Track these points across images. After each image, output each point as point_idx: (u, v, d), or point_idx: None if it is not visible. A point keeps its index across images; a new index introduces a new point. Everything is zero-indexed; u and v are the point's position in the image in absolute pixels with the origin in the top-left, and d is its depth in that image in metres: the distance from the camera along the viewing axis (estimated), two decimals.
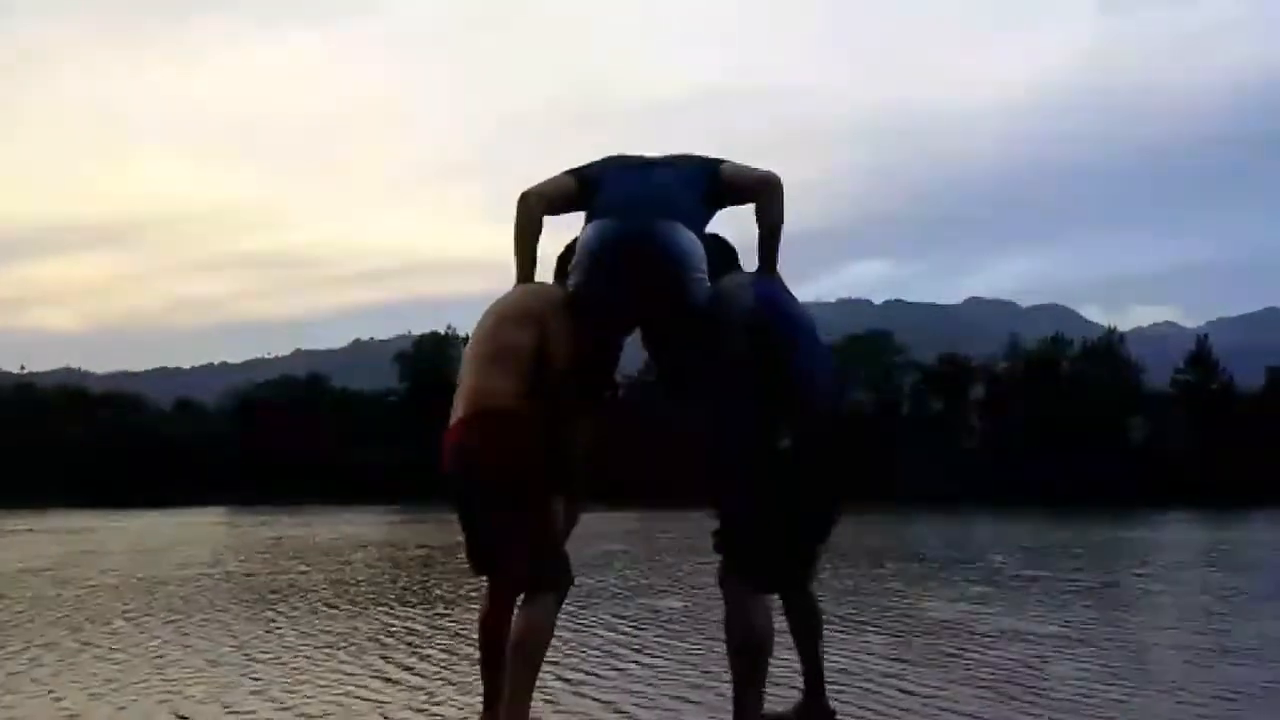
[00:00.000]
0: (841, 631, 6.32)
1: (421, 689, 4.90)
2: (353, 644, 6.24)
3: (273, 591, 9.28)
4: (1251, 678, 4.95)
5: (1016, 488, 53.64)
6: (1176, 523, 25.88)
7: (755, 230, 3.61)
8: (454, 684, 4.96)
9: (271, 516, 31.33)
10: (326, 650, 6.00)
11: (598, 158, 3.72)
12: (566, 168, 3.68)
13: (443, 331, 74.62)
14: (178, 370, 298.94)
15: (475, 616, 7.24)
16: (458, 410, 3.38)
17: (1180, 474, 54.99)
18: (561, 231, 3.70)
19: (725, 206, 3.62)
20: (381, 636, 6.55)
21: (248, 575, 11.06)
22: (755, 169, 3.61)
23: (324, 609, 7.99)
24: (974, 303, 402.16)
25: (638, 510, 27.30)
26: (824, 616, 3.78)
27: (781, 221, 3.59)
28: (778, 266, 3.63)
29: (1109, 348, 67.04)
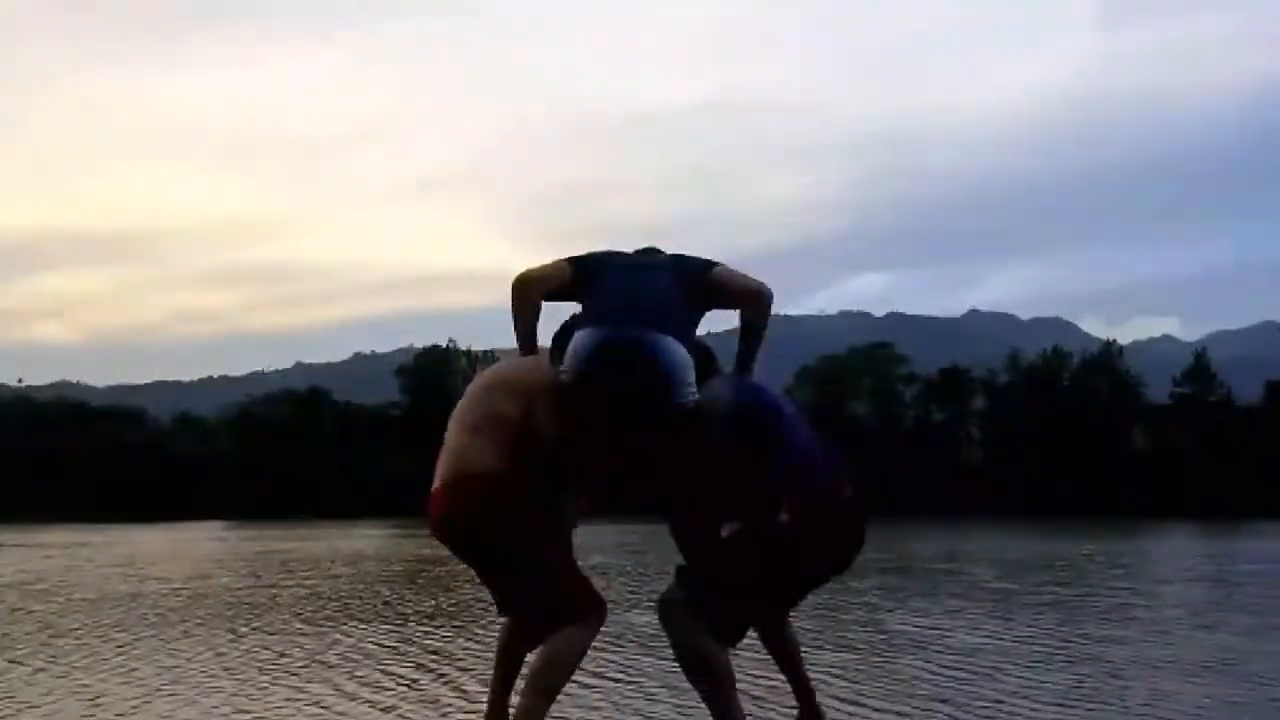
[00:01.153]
0: (804, 648, 6.29)
1: (380, 706, 4.89)
2: (317, 660, 6.23)
3: (247, 607, 9.28)
4: (1198, 695, 4.92)
5: (1016, 499, 53.74)
6: (1172, 535, 25.88)
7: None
8: (414, 703, 4.93)
9: (268, 531, 31.35)
10: (287, 667, 5.99)
11: (596, 250, 3.79)
12: (565, 256, 3.73)
13: (444, 345, 74.92)
14: (177, 384, 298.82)
15: (445, 633, 7.33)
16: (439, 476, 3.40)
17: (1179, 486, 55.04)
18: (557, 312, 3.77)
19: (712, 309, 3.69)
20: (348, 653, 6.53)
21: (227, 590, 11.06)
22: (747, 278, 3.66)
23: (295, 625, 7.98)
24: (974, 315, 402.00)
25: (634, 523, 27.15)
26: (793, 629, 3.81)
27: (764, 332, 3.67)
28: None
29: (1108, 360, 67.17)
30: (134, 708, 4.84)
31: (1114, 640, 6.76)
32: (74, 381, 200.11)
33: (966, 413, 68.26)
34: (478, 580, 3.59)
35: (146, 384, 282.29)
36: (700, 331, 3.65)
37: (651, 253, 3.84)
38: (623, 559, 15.46)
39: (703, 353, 3.62)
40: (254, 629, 7.68)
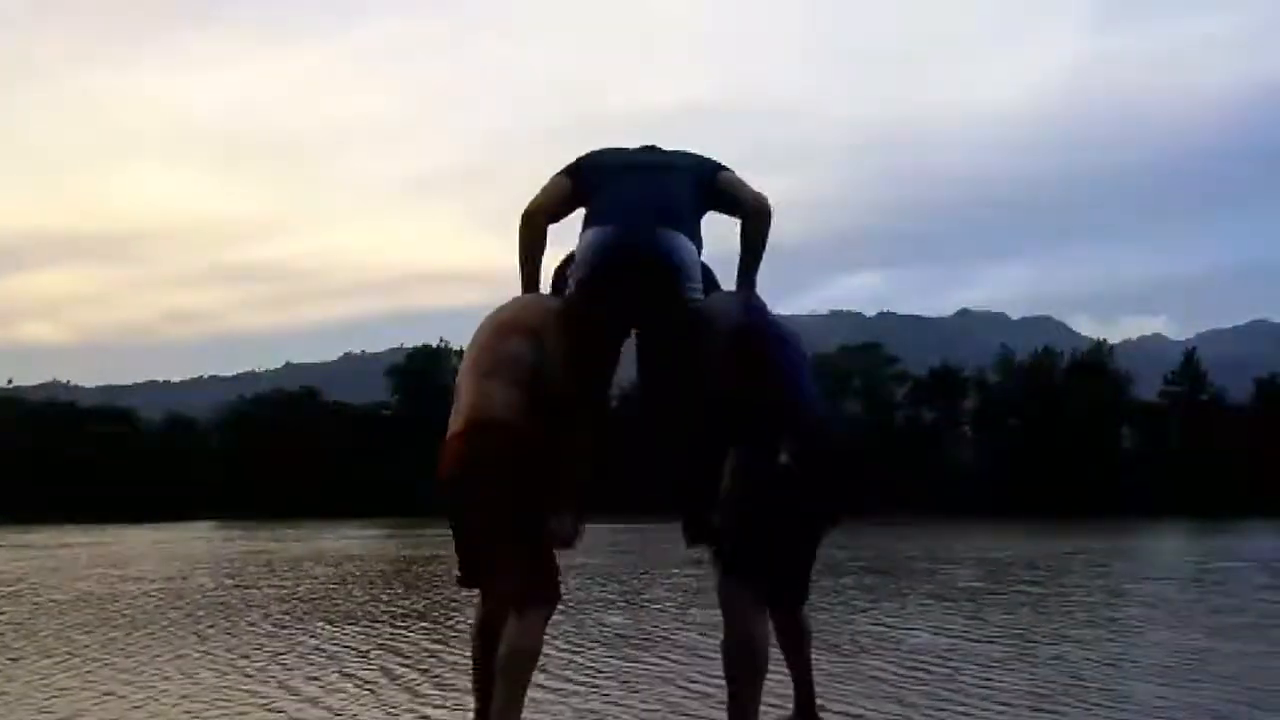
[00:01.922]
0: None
1: (325, 705, 4.85)
2: (276, 662, 6.18)
3: (219, 607, 9.23)
4: (1153, 696, 4.87)
5: (1007, 498, 53.78)
6: (1160, 534, 25.91)
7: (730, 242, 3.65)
8: (372, 706, 4.88)
9: (257, 531, 31.26)
10: (244, 669, 5.93)
11: (591, 150, 3.71)
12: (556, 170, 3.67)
13: (435, 345, 74.66)
14: (167, 384, 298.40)
15: (412, 635, 7.27)
16: (456, 423, 3.34)
17: (1169, 485, 55.13)
18: (557, 246, 3.71)
19: (712, 211, 3.62)
20: (309, 654, 6.48)
21: (201, 591, 11.00)
22: (750, 188, 3.60)
23: (263, 626, 7.92)
24: (965, 314, 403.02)
25: (623, 522, 27.18)
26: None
27: (765, 245, 3.60)
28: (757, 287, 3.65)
29: (1099, 359, 67.26)
30: (79, 711, 4.78)
31: (1080, 640, 6.72)
32: (64, 382, 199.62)
33: (957, 412, 68.32)
34: (454, 564, 3.52)
35: (136, 384, 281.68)
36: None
37: (652, 150, 3.77)
38: (602, 559, 15.41)
39: (704, 268, 3.58)
40: (220, 630, 7.63)
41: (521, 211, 3.57)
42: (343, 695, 5.14)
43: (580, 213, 3.60)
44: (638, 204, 3.42)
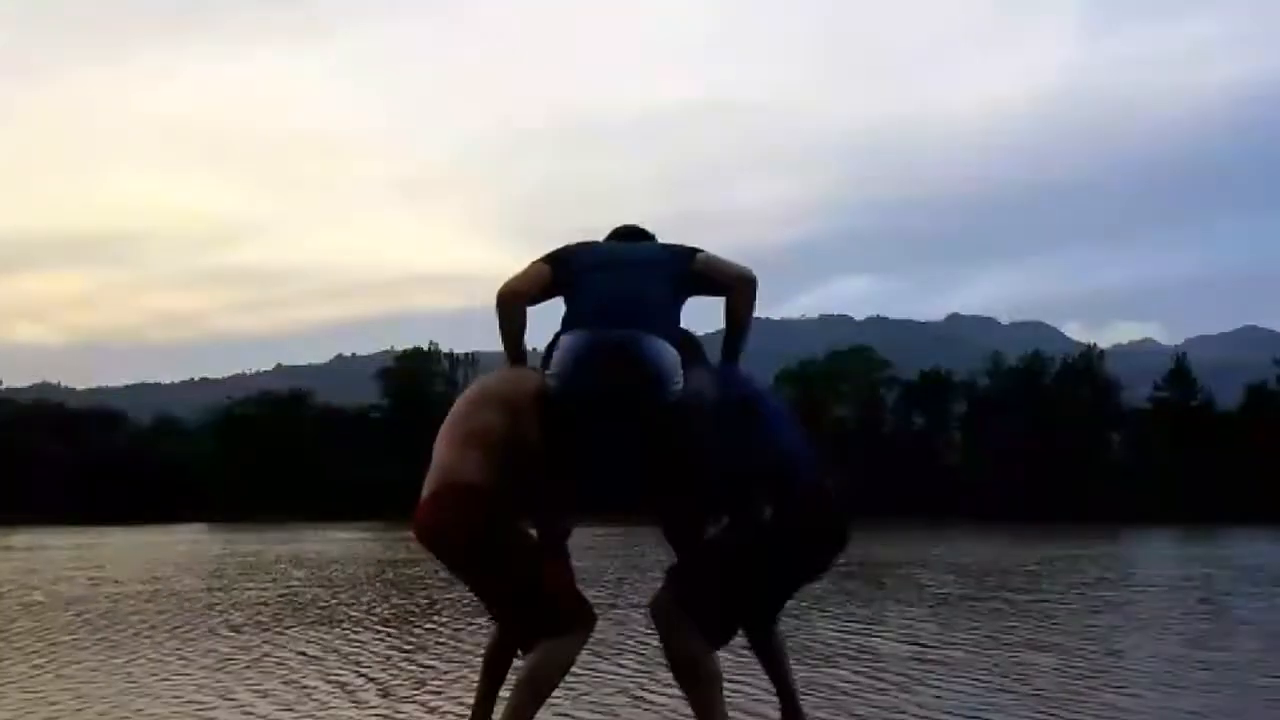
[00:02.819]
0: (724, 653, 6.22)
1: (261, 713, 4.80)
2: (223, 668, 6.11)
3: (186, 611, 9.17)
4: (1099, 705, 4.81)
5: (997, 504, 53.85)
6: (1146, 540, 25.90)
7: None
8: (306, 716, 4.79)
9: (244, 534, 31.11)
10: (192, 675, 5.87)
11: (568, 242, 3.74)
12: (538, 255, 3.69)
13: (425, 347, 74.60)
14: (158, 385, 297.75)
15: (373, 640, 7.17)
16: (428, 486, 3.38)
17: (1159, 490, 55.21)
18: (546, 324, 3.73)
19: (695, 296, 3.64)
20: (261, 659, 6.41)
21: (172, 594, 10.93)
22: (731, 264, 3.62)
23: (223, 631, 7.84)
24: (955, 319, 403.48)
25: (618, 525, 27.08)
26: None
27: (751, 318, 3.61)
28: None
29: (1089, 365, 67.30)
30: (13, 715, 4.73)
31: (1042, 647, 6.65)
32: (54, 383, 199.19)
33: (947, 417, 68.41)
34: (438, 583, 3.57)
35: (127, 386, 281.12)
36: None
37: (631, 235, 3.81)
38: (586, 561, 15.39)
39: (690, 343, 3.59)
40: (180, 634, 7.57)
41: (498, 291, 3.59)
42: (272, 700, 5.10)
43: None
44: (612, 306, 3.44)
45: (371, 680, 5.69)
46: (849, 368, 69.97)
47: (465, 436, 3.38)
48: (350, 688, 5.47)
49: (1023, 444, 60.96)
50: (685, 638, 3.29)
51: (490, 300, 3.62)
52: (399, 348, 77.95)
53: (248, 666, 6.18)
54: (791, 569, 3.40)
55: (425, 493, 3.38)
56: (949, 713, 4.65)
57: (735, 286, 3.56)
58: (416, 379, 69.99)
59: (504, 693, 3.40)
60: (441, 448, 3.42)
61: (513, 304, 3.58)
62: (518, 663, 3.37)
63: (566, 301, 3.58)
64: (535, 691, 3.24)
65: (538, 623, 3.29)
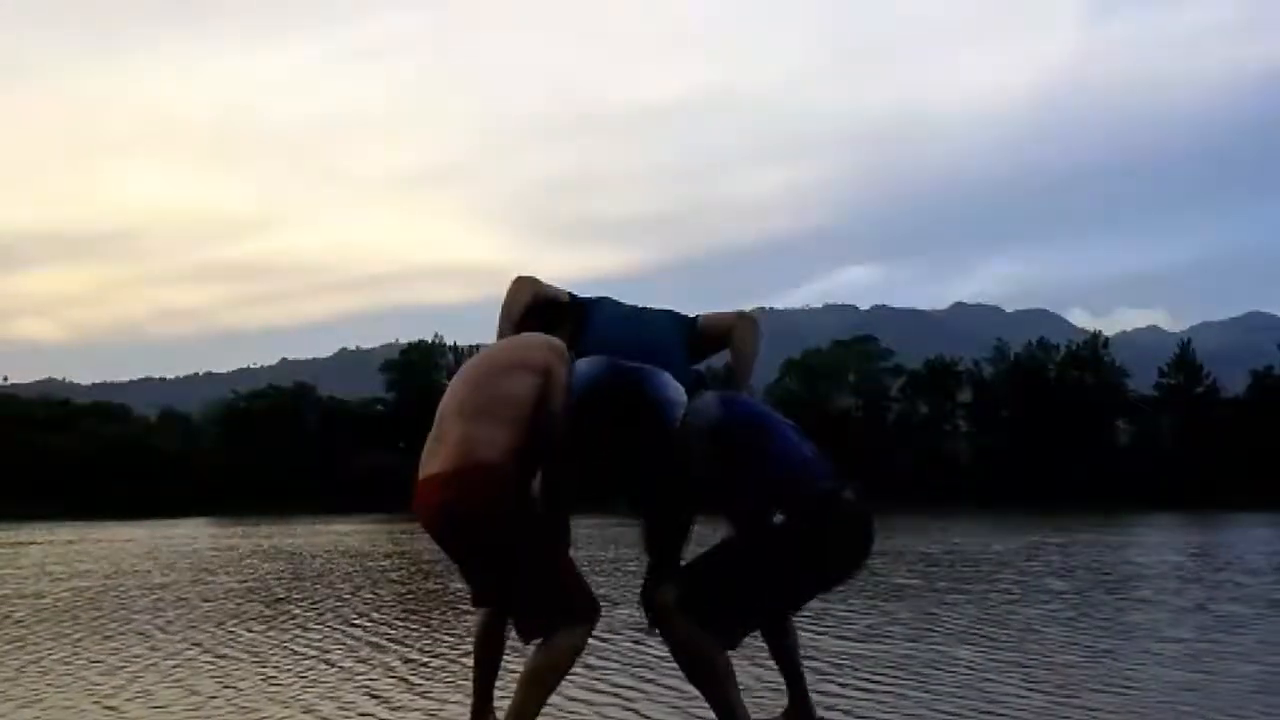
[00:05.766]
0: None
1: (189, 708, 4.74)
2: (157, 663, 6.05)
3: (147, 606, 9.14)
4: (1021, 700, 4.72)
5: (1002, 491, 53.80)
6: (1147, 526, 25.68)
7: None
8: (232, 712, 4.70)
9: (251, 527, 31.06)
10: (128, 669, 5.82)
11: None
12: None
13: (430, 340, 74.63)
14: (162, 380, 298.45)
15: (339, 636, 6.98)
16: (438, 462, 3.22)
17: (1164, 476, 55.14)
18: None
19: (704, 357, 3.88)
20: (199, 655, 6.33)
21: (138, 589, 10.91)
22: (728, 313, 3.90)
23: (174, 626, 7.74)
24: (960, 308, 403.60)
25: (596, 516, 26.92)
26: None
27: (755, 353, 3.82)
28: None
29: (1094, 352, 67.08)
30: None
31: (984, 642, 6.48)
32: (59, 379, 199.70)
33: (952, 405, 68.28)
34: (434, 572, 3.53)
35: (131, 381, 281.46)
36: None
37: (639, 310, 3.94)
38: (579, 554, 15.28)
39: (695, 379, 3.68)
40: (131, 629, 7.54)
41: (519, 275, 3.79)
42: (194, 698, 5.01)
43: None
44: (631, 343, 3.59)
45: (314, 683, 5.49)
46: (853, 357, 69.85)
47: (485, 405, 3.25)
48: (288, 687, 5.36)
49: (1027, 432, 60.93)
50: (694, 638, 3.32)
51: (495, 292, 3.76)
52: (403, 340, 78.15)
53: (186, 660, 6.14)
54: (803, 573, 3.43)
55: (437, 469, 3.22)
56: (854, 715, 4.59)
57: (736, 324, 3.83)
58: (420, 372, 69.98)
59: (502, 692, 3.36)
60: (455, 420, 3.26)
61: (528, 287, 3.76)
62: (518, 661, 3.34)
63: (578, 335, 3.68)
64: (541, 687, 3.21)
65: (552, 611, 3.20)
